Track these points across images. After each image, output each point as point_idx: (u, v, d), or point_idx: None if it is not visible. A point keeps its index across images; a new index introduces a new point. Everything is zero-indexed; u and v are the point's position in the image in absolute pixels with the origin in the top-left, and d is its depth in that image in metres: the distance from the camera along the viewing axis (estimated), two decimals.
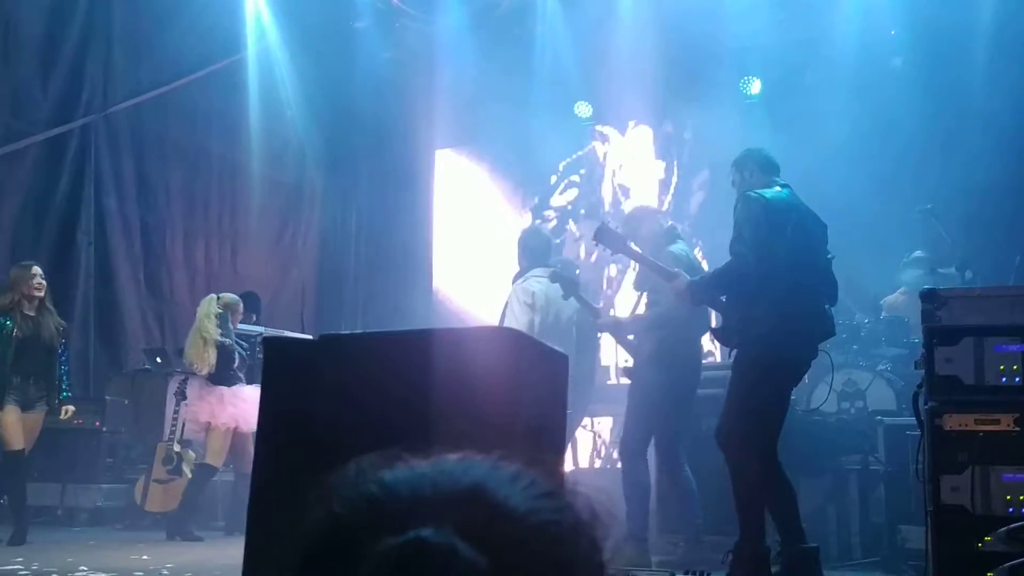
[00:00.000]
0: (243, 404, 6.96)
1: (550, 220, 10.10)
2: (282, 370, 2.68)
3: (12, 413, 6.42)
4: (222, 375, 7.16)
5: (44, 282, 6.68)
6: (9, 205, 8.73)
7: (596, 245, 5.24)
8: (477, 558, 0.66)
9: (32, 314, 6.57)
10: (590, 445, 8.30)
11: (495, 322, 6.02)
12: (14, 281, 6.59)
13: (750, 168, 4.72)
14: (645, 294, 5.59)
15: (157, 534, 7.05)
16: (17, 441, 6.42)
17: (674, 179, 9.77)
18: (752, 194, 4.45)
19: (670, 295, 4.92)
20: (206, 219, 10.42)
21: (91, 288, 9.05)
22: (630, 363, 5.57)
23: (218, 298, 7.44)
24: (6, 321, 6.45)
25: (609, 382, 7.81)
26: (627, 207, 9.04)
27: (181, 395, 7.57)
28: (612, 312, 8.28)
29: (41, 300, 6.65)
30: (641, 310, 5.66)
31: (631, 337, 5.62)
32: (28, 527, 6.40)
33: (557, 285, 5.75)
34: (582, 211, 10.25)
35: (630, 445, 5.43)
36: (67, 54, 9.03)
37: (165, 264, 9.95)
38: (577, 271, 6.86)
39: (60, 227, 9.03)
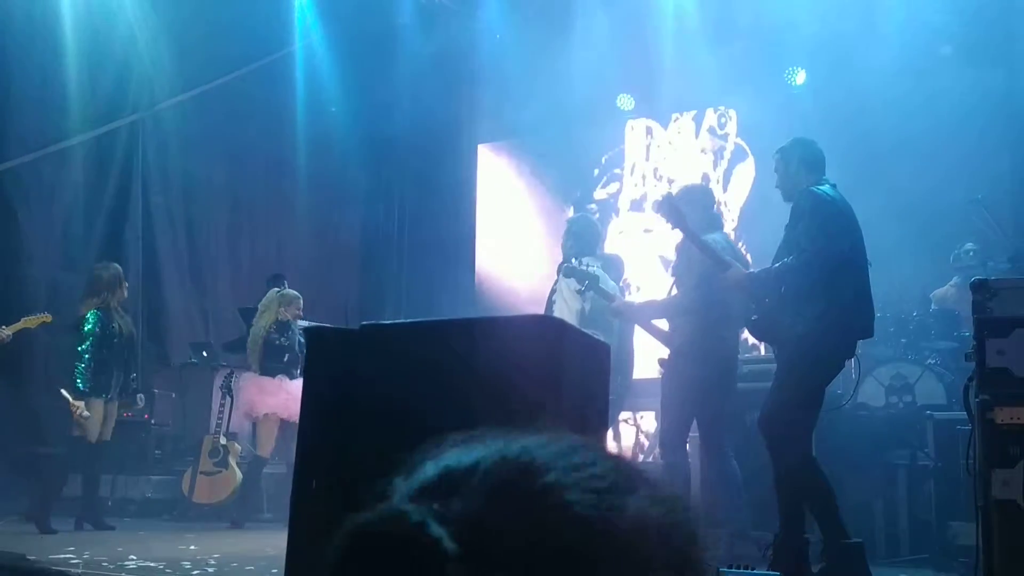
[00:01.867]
0: (287, 395, 7.08)
1: (593, 213, 10.06)
2: (323, 360, 2.70)
3: (97, 406, 6.77)
4: (269, 367, 7.32)
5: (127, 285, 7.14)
6: (60, 202, 8.89)
7: (659, 217, 5.15)
8: (446, 543, 0.59)
9: (113, 312, 6.93)
10: (632, 439, 8.26)
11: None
12: (105, 281, 6.95)
13: (795, 163, 4.69)
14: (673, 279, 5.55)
15: (204, 524, 7.15)
16: (97, 431, 6.77)
17: (718, 171, 9.68)
18: (820, 192, 4.45)
19: (693, 283, 4.93)
20: (251, 215, 10.54)
21: (139, 283, 9.18)
22: (664, 354, 5.50)
23: (278, 292, 7.62)
24: (90, 317, 6.79)
25: (649, 376, 7.75)
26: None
27: (227, 388, 7.69)
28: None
29: (123, 303, 7.09)
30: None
31: (664, 327, 5.54)
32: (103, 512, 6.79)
33: (601, 273, 5.76)
34: (626, 204, 10.20)
35: (668, 437, 5.35)
36: (115, 52, 9.16)
37: (209, 260, 10.07)
38: (623, 266, 6.81)
39: (109, 224, 9.19)
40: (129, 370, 7.11)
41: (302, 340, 7.39)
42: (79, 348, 6.77)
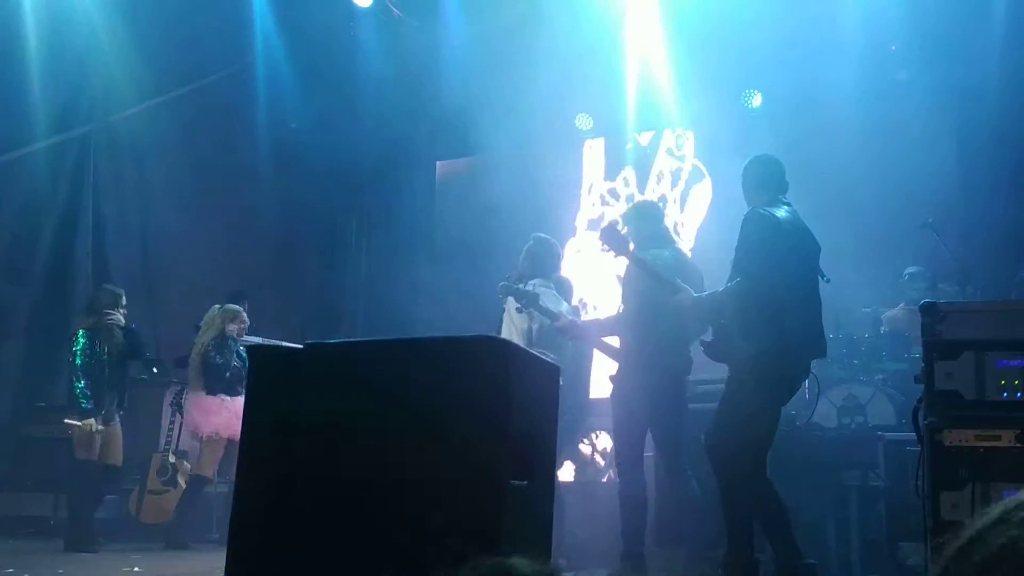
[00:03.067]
0: (228, 413, 6.97)
1: (549, 232, 10.05)
2: (266, 379, 2.64)
3: (101, 427, 6.87)
4: (212, 385, 7.17)
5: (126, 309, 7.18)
6: (6, 213, 8.71)
7: (602, 245, 5.18)
8: None
9: (104, 332, 7.02)
10: (598, 460, 8.22)
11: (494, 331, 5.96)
12: (103, 303, 7.08)
13: (750, 181, 4.71)
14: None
15: (151, 545, 7.00)
16: (95, 451, 6.87)
17: (675, 192, 9.73)
18: (764, 212, 4.44)
19: (638, 298, 4.95)
20: (209, 228, 10.38)
21: (89, 295, 9.00)
22: (614, 369, 5.47)
23: (220, 308, 7.45)
24: (98, 339, 6.91)
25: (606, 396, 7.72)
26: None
27: (177, 406, 7.55)
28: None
29: (119, 322, 7.13)
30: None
31: (614, 341, 5.52)
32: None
33: (553, 293, 5.74)
34: (583, 224, 10.21)
35: (623, 456, 5.30)
36: (70, 61, 9.02)
37: (163, 273, 9.92)
38: (571, 288, 6.78)
39: (58, 236, 9.02)
40: (123, 389, 7.14)
41: (243, 355, 7.29)
42: (73, 369, 6.91)
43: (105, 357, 6.96)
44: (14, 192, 8.76)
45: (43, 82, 8.82)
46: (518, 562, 0.68)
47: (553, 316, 5.68)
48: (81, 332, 7.01)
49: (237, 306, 7.54)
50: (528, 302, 5.61)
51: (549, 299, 5.77)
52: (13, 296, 8.67)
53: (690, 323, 5.01)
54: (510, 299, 5.88)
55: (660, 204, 7.49)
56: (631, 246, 5.09)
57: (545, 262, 6.11)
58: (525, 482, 2.31)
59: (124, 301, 7.20)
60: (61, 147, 9.09)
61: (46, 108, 8.94)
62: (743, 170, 4.79)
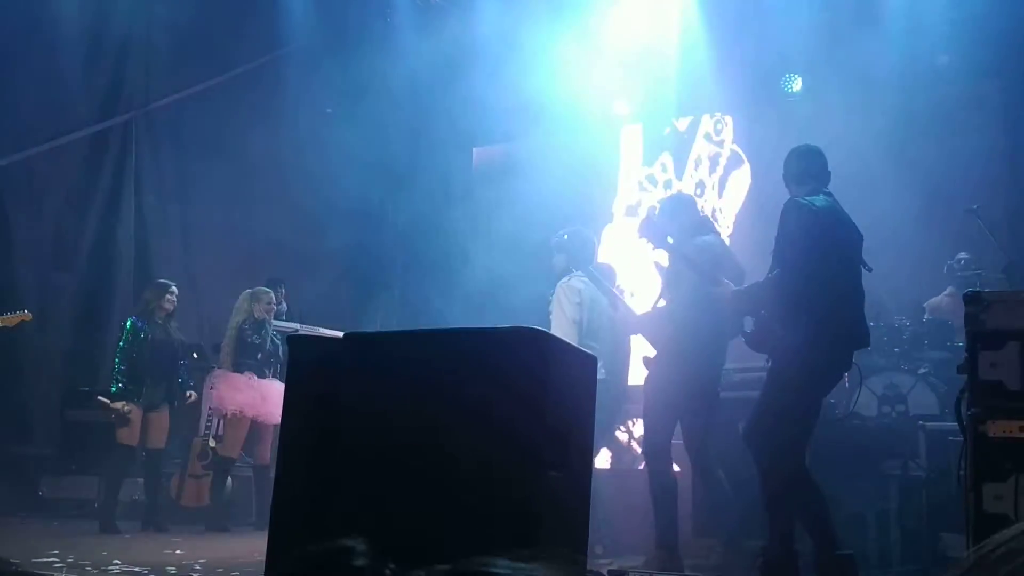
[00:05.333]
0: (255, 392, 7.06)
1: (592, 220, 10.01)
2: (306, 368, 2.66)
3: (133, 411, 6.98)
4: (241, 363, 7.28)
5: (175, 300, 7.37)
6: (52, 201, 8.85)
7: (640, 238, 5.19)
8: None
9: (161, 323, 7.21)
10: (635, 447, 8.20)
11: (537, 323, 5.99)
12: (151, 292, 7.34)
13: (789, 173, 4.70)
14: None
15: (192, 528, 7.10)
16: (135, 437, 7.01)
17: (713, 178, 9.65)
18: (803, 202, 4.41)
19: (684, 291, 4.94)
20: (247, 216, 10.46)
21: (131, 284, 9.13)
22: (650, 352, 5.47)
23: (249, 292, 7.56)
24: (143, 327, 7.08)
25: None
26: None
27: (214, 390, 7.64)
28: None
29: (170, 314, 7.32)
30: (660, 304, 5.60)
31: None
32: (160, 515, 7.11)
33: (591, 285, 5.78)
34: (621, 210, 10.17)
35: (652, 444, 5.31)
36: (109, 50, 9.12)
37: (204, 261, 10.01)
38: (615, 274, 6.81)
39: (101, 223, 9.14)
40: (172, 378, 7.25)
41: (276, 340, 7.37)
42: (116, 352, 7.15)
43: (148, 345, 7.06)
44: (59, 181, 8.89)
45: (85, 71, 8.94)
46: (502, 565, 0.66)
47: (609, 293, 5.76)
48: (129, 320, 7.20)
49: (265, 288, 7.65)
50: (581, 264, 5.69)
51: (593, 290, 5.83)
52: (59, 283, 8.80)
53: (729, 316, 4.98)
54: (559, 287, 5.91)
55: (689, 195, 7.46)
56: (669, 238, 5.08)
57: (583, 256, 6.12)
58: (561, 473, 2.31)
59: (173, 290, 7.34)
60: (103, 135, 9.21)
61: (89, 97, 9.06)
62: (784, 161, 4.76)
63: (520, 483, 2.21)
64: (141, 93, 9.46)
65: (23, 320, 6.77)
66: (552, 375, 2.35)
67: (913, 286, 7.05)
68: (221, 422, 7.62)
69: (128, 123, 9.37)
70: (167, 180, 9.77)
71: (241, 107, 10.12)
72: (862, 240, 4.56)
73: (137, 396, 7.00)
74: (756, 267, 5.12)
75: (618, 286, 8.05)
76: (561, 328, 5.77)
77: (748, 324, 4.73)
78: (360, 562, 0.62)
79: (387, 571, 0.62)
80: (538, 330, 2.46)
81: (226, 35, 9.48)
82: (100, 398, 7.08)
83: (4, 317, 6.66)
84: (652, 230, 5.05)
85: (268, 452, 7.07)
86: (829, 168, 4.74)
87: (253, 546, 5.73)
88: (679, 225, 5.38)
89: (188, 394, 7.39)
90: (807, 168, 4.66)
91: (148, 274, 9.41)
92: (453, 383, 2.36)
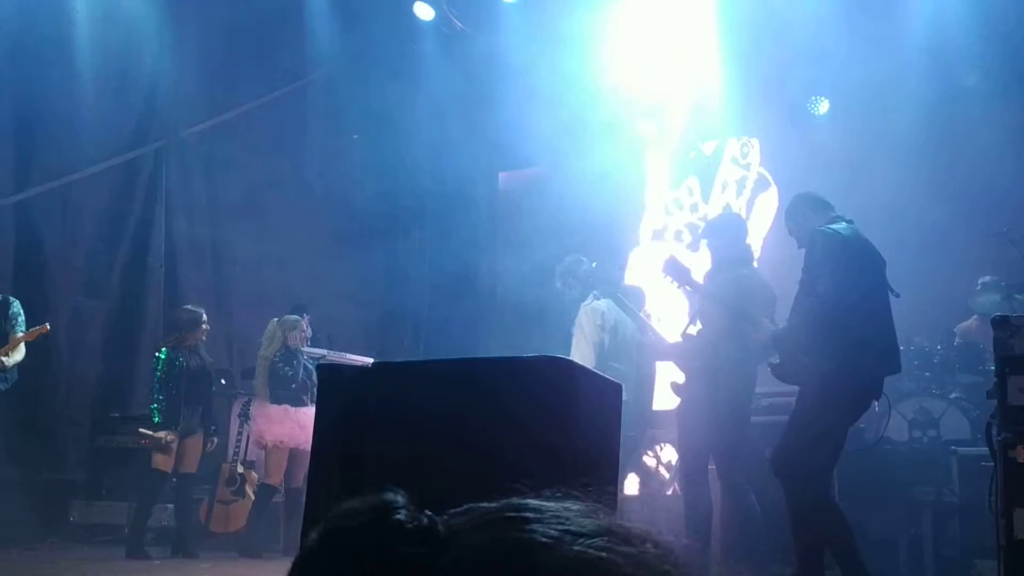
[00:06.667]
0: (293, 423, 7.10)
1: (619, 244, 10.02)
2: (335, 395, 2.69)
3: (173, 437, 7.08)
4: (278, 395, 7.30)
5: (207, 327, 7.48)
6: (86, 228, 8.96)
7: (664, 277, 5.24)
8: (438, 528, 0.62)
9: (185, 350, 7.30)
10: (663, 472, 8.17)
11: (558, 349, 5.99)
12: (183, 322, 7.40)
13: (803, 212, 4.75)
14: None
15: (220, 554, 7.13)
16: (170, 464, 7.09)
17: (740, 201, 9.63)
18: (829, 231, 4.43)
19: (713, 322, 4.97)
20: (277, 242, 10.54)
21: (160, 310, 9.22)
22: (679, 378, 5.47)
23: (278, 320, 7.57)
24: (178, 356, 7.19)
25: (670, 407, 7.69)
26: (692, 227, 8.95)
27: (244, 417, 7.68)
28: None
29: (201, 341, 7.44)
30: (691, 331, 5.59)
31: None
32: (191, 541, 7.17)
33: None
34: (648, 234, 10.17)
35: (688, 469, 5.32)
36: (141, 79, 9.25)
37: (234, 286, 10.10)
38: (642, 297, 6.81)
39: (132, 250, 9.24)
40: (206, 403, 7.36)
41: (309, 366, 7.39)
42: (152, 383, 7.26)
43: (184, 373, 7.15)
44: (92, 207, 9.00)
45: (117, 99, 9.07)
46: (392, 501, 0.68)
47: (637, 319, 5.76)
48: (163, 350, 7.30)
49: (296, 316, 7.66)
50: (625, 309, 5.67)
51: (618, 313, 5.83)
52: (90, 309, 8.91)
53: (752, 337, 5.00)
54: (582, 309, 5.92)
55: (741, 219, 7.42)
56: (692, 276, 5.15)
57: (592, 282, 6.14)
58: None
59: (205, 319, 7.43)
60: (135, 163, 9.33)
61: (120, 125, 9.19)
62: (787, 212, 4.85)
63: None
64: (171, 121, 9.58)
65: (42, 332, 6.94)
66: (575, 404, 2.36)
67: (943, 309, 6.99)
68: (249, 447, 7.67)
69: (159, 150, 9.50)
70: (197, 205, 9.88)
71: (269, 133, 10.23)
72: (885, 265, 4.56)
73: (175, 424, 7.08)
74: (784, 293, 5.11)
75: (645, 311, 8.04)
76: (581, 350, 5.78)
77: (775, 356, 4.75)
78: (400, 516, 0.65)
79: (425, 519, 0.65)
80: (562, 359, 2.47)
81: (254, 63, 9.61)
82: (142, 430, 7.17)
83: (23, 334, 6.81)
84: (676, 269, 5.10)
85: (301, 475, 7.10)
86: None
87: (280, 572, 5.74)
88: (715, 250, 5.41)
89: (210, 442, 7.41)
90: (814, 200, 4.74)
91: (178, 299, 9.50)
92: (478, 413, 2.37)
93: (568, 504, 0.71)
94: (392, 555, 0.63)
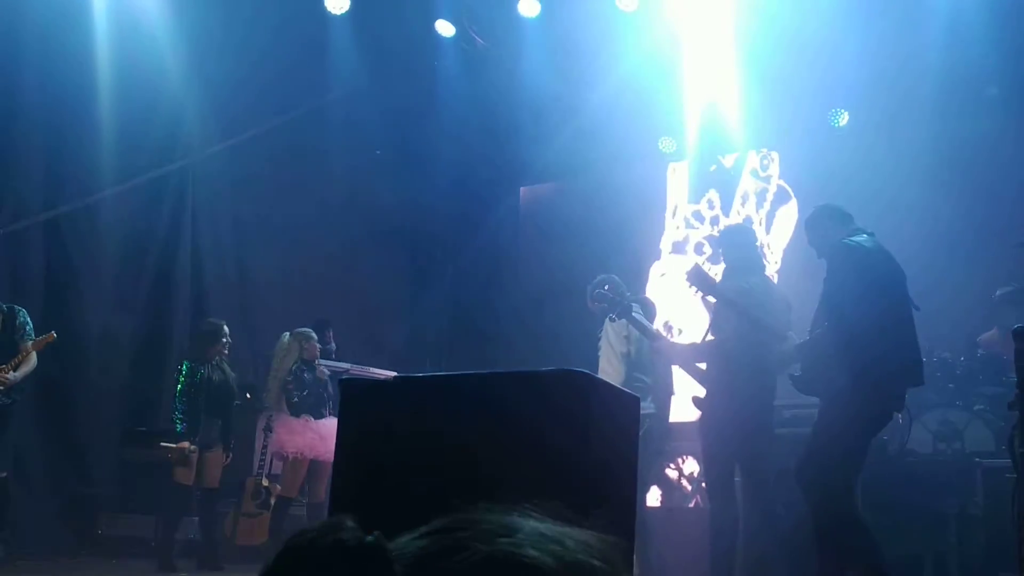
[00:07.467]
0: (313, 434, 7.17)
1: (633, 255, 10.04)
2: (357, 409, 2.73)
3: (194, 448, 7.14)
4: (297, 405, 7.39)
5: (229, 339, 7.53)
6: (113, 245, 9.09)
7: (688, 286, 5.25)
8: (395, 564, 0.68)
9: (216, 363, 7.37)
10: (685, 484, 8.16)
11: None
12: (203, 334, 7.49)
13: (824, 224, 4.76)
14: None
15: (247, 566, 7.18)
16: (190, 477, 7.14)
17: (760, 214, 9.64)
18: (851, 244, 4.44)
19: (731, 328, 4.98)
20: (301, 258, 10.63)
21: (187, 324, 9.32)
22: (699, 392, 5.45)
23: (291, 334, 7.68)
24: (200, 369, 7.25)
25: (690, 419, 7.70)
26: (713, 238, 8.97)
27: (269, 430, 7.75)
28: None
29: (224, 354, 7.46)
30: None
31: (702, 366, 5.51)
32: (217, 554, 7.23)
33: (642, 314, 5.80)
34: (668, 247, 10.18)
35: (714, 483, 5.29)
36: (166, 97, 9.38)
37: (260, 301, 10.19)
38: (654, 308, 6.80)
39: (158, 266, 9.36)
40: (227, 417, 7.41)
41: (325, 377, 7.49)
42: (173, 395, 7.34)
43: (204, 387, 7.22)
44: (119, 225, 9.13)
45: (143, 119, 9.19)
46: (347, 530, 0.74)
47: (648, 332, 5.73)
48: (185, 362, 7.38)
49: (307, 329, 7.77)
50: (621, 312, 5.65)
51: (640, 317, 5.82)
52: (118, 325, 9.03)
53: (773, 349, 5.01)
54: (607, 325, 5.94)
55: (750, 226, 7.44)
56: (717, 286, 5.16)
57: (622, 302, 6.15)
58: (602, 513, 2.34)
59: (226, 331, 7.48)
60: (161, 181, 9.45)
61: (146, 144, 9.31)
62: (807, 224, 4.86)
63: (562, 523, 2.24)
64: (196, 139, 9.71)
65: (48, 341, 6.99)
66: (593, 416, 2.39)
67: (966, 320, 6.96)
68: (273, 460, 7.73)
69: (184, 168, 9.63)
70: (222, 222, 9.99)
71: (293, 150, 10.33)
72: (906, 278, 4.57)
73: (195, 435, 7.15)
74: (804, 304, 5.12)
75: (667, 323, 8.06)
76: (610, 362, 5.80)
77: (796, 367, 4.75)
78: (345, 535, 0.71)
79: (368, 539, 0.71)
80: (581, 372, 2.50)
81: (278, 80, 9.71)
82: (164, 444, 7.23)
83: (32, 343, 6.89)
84: (700, 278, 5.13)
85: (323, 490, 7.16)
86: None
87: None
88: (728, 259, 5.43)
89: (227, 455, 7.45)
90: (833, 213, 4.74)
91: (204, 315, 9.59)
92: (498, 426, 2.41)
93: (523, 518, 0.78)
94: (334, 571, 0.68)
